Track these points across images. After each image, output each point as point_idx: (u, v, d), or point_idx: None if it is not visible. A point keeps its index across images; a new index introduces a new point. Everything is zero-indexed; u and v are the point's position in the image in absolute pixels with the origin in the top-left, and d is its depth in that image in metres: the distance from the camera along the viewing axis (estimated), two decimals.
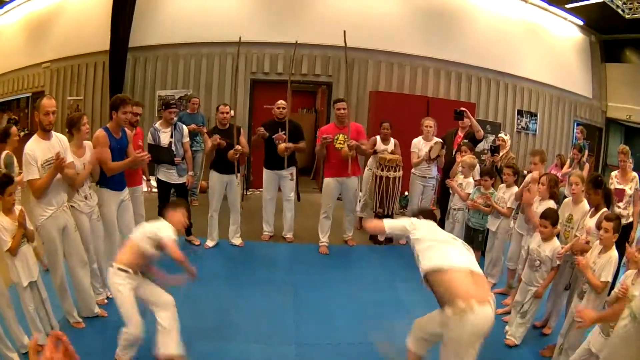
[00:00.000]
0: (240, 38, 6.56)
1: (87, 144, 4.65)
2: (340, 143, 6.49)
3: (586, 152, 8.47)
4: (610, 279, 3.55)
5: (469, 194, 6.03)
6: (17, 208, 3.71)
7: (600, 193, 4.34)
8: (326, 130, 6.70)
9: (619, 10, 10.64)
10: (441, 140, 7.04)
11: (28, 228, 3.75)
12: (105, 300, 4.71)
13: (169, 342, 3.59)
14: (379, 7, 10.26)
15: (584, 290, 3.73)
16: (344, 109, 6.58)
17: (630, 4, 10.55)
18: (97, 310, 4.44)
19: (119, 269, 3.56)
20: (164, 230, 3.65)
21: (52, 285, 4.13)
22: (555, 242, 4.23)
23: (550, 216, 4.25)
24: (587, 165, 7.89)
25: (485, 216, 5.84)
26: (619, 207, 6.09)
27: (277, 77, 9.87)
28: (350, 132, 6.47)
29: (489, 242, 5.78)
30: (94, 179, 4.70)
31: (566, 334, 3.87)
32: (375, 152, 7.17)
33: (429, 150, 6.89)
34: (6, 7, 12.26)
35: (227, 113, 6.42)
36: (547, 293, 4.55)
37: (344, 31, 6.25)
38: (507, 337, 4.40)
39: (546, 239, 4.23)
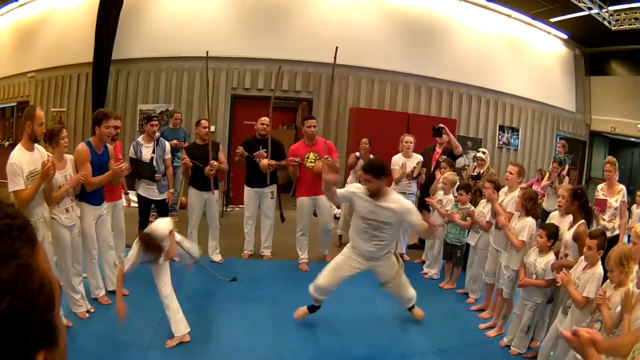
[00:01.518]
0: (207, 53, 6.52)
1: (69, 157, 4.64)
2: (311, 162, 6.44)
3: (567, 166, 8.51)
4: (592, 295, 3.51)
5: (447, 210, 6.05)
6: None
7: (576, 204, 4.33)
8: (296, 148, 6.60)
9: (606, 22, 10.75)
10: (422, 159, 7.05)
11: None
12: (87, 314, 4.68)
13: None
14: (361, 23, 10.31)
15: (568, 305, 3.74)
16: (314, 126, 6.57)
17: (617, 15, 10.66)
18: (64, 321, 4.38)
19: None
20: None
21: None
22: (551, 256, 4.21)
23: (548, 227, 4.26)
24: (566, 179, 7.93)
25: (462, 231, 5.87)
26: (603, 219, 6.09)
27: (257, 93, 9.87)
28: (321, 148, 6.44)
29: (469, 257, 5.79)
30: (74, 192, 4.68)
31: (551, 347, 3.89)
32: (355, 163, 7.22)
33: (412, 170, 6.90)
34: None
35: (207, 128, 6.40)
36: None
37: (336, 47, 6.24)
38: (512, 347, 4.44)
39: (542, 250, 4.22)
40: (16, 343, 0.65)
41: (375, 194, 4.40)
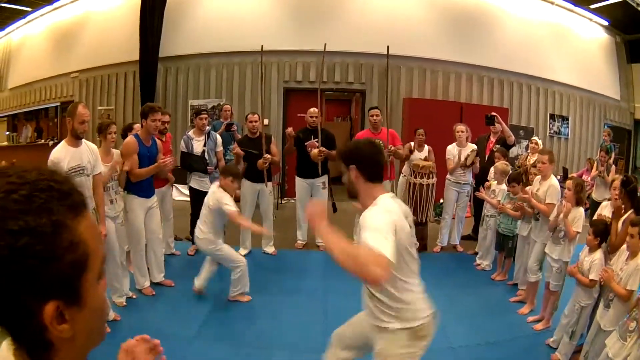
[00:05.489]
0: (262, 47, 6.59)
1: (116, 151, 4.79)
2: None
3: (613, 154, 8.36)
4: (636, 288, 3.40)
5: (499, 200, 5.99)
6: None
7: (623, 192, 4.21)
8: (361, 136, 6.75)
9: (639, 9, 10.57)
10: (476, 148, 6.98)
11: None
12: (124, 303, 4.77)
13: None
14: (410, 13, 10.27)
15: (610, 298, 3.61)
16: (377, 115, 6.70)
17: None
18: (112, 315, 4.46)
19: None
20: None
21: None
22: (597, 254, 4.03)
23: (596, 224, 4.12)
24: (613, 168, 7.80)
25: (514, 222, 5.79)
26: None
27: (309, 86, 9.86)
28: (385, 137, 6.56)
29: (518, 247, 5.67)
30: (120, 185, 4.81)
31: (592, 342, 3.77)
32: (410, 154, 7.21)
33: (465, 158, 6.84)
34: (29, 17, 12.54)
35: (256, 122, 6.44)
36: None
37: (387, 46, 6.32)
38: (556, 352, 4.28)
39: (590, 249, 4.08)
40: (29, 281, 0.71)
41: (354, 196, 2.80)
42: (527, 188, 5.40)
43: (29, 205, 0.71)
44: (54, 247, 0.73)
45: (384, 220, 2.35)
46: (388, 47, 6.51)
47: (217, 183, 4.97)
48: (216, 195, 4.79)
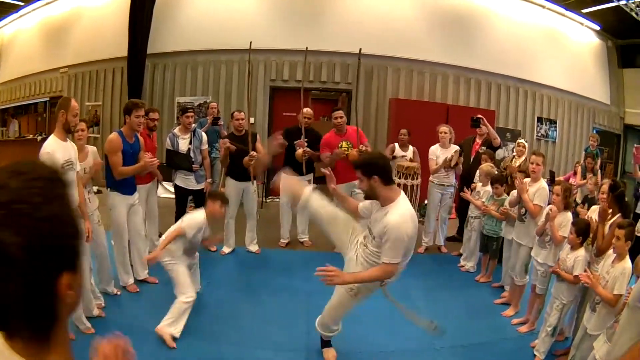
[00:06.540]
0: (250, 44, 6.61)
1: (91, 148, 4.81)
2: (344, 150, 6.51)
3: (599, 160, 8.39)
4: (623, 291, 3.39)
5: (484, 202, 6.00)
6: None
7: (611, 197, 4.26)
8: (328, 138, 6.69)
9: (633, 14, 10.57)
10: (459, 148, 6.97)
11: None
12: (102, 305, 4.63)
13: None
14: (398, 14, 10.24)
15: (597, 301, 3.62)
16: (341, 117, 6.65)
17: None
18: (95, 311, 4.39)
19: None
20: (187, 219, 4.44)
21: None
22: (581, 252, 4.08)
23: (578, 223, 4.18)
24: (599, 173, 7.84)
25: (498, 223, 5.81)
26: None
27: (296, 85, 9.74)
28: (352, 137, 6.55)
29: (505, 251, 5.66)
30: (95, 182, 4.80)
31: (578, 346, 3.78)
32: (393, 158, 7.13)
33: (450, 159, 6.83)
34: (22, 12, 12.47)
35: (242, 120, 6.42)
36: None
37: (360, 49, 6.60)
38: (535, 352, 4.28)
39: (572, 247, 4.12)
40: (56, 259, 0.83)
41: (371, 197, 3.55)
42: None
43: (49, 195, 0.84)
44: (74, 225, 0.88)
45: (408, 238, 3.35)
46: (360, 49, 6.76)
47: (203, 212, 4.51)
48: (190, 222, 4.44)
